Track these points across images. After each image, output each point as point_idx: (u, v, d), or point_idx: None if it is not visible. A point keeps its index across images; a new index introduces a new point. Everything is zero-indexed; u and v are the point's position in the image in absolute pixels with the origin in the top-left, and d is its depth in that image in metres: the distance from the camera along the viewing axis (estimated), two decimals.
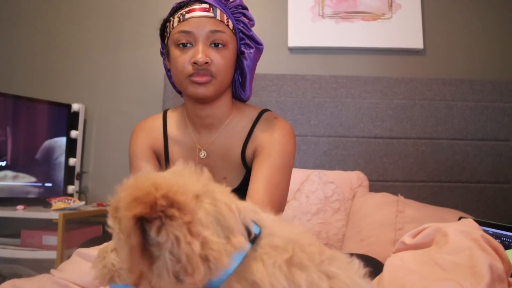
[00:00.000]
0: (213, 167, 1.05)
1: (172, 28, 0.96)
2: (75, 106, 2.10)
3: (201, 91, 0.94)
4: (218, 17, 0.95)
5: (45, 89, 2.19)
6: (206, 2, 0.95)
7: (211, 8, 0.94)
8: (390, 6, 2.17)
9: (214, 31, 0.93)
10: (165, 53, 1.03)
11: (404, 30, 2.15)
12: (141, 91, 2.20)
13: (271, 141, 1.00)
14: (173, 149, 1.06)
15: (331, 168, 1.98)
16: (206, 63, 0.92)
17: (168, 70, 1.07)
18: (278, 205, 0.99)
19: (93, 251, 0.74)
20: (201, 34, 0.93)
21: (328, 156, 2.00)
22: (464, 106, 2.03)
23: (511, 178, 1.99)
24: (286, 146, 1.01)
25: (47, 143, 2.00)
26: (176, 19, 0.96)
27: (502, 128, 2.02)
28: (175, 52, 0.95)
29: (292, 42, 2.15)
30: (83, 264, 0.73)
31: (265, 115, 1.06)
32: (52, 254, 1.65)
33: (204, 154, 1.05)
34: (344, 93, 2.04)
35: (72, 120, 2.09)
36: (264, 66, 1.84)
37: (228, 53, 0.96)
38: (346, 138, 2.02)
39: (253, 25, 1.02)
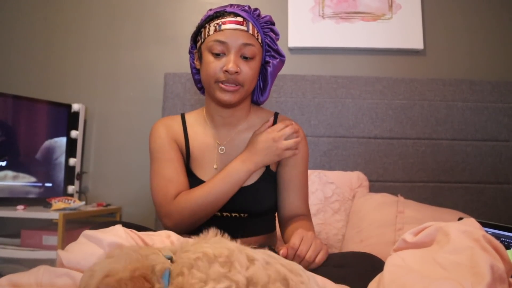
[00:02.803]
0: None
1: (208, 35, 1.06)
2: (75, 106, 2.09)
3: (227, 98, 1.05)
4: (250, 31, 1.05)
5: (45, 89, 2.19)
6: (240, 16, 1.06)
7: (244, 22, 1.05)
8: (390, 6, 2.17)
9: (246, 44, 1.04)
10: (197, 54, 1.13)
11: (404, 30, 2.15)
12: (141, 91, 2.20)
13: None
14: (193, 145, 1.15)
15: (331, 168, 1.98)
16: (236, 72, 1.02)
17: (193, 68, 1.18)
18: (308, 200, 1.18)
19: (99, 233, 0.76)
20: (234, 45, 1.03)
21: (328, 156, 2.00)
22: (464, 107, 2.03)
23: (511, 179, 1.99)
24: (306, 150, 1.17)
25: (47, 143, 2.00)
26: (212, 28, 1.06)
27: (502, 128, 2.02)
28: (208, 57, 1.05)
29: (292, 42, 2.15)
30: (89, 245, 0.75)
31: (279, 118, 1.18)
32: (52, 254, 1.66)
33: (223, 149, 1.14)
34: (344, 94, 2.05)
35: (72, 120, 2.08)
36: None
37: (255, 64, 1.07)
38: (346, 138, 2.02)
39: (278, 39, 1.13)
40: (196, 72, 1.19)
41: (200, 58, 1.10)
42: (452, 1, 2.21)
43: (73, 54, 2.24)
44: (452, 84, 2.05)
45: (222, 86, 1.04)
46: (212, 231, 0.67)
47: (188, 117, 1.20)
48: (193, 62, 1.17)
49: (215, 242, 0.62)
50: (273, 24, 1.13)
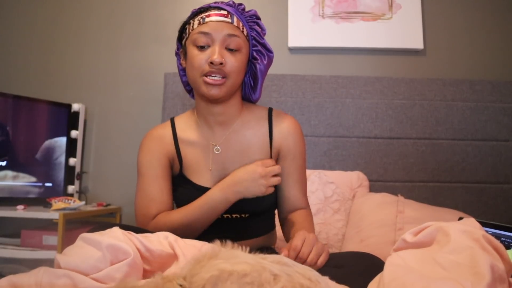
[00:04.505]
0: (229, 162, 1.11)
1: (192, 29, 1.05)
2: (75, 106, 2.10)
3: (214, 92, 1.02)
4: (235, 23, 1.04)
5: (45, 89, 2.19)
6: (224, 9, 1.04)
7: (229, 15, 1.04)
8: (390, 6, 2.17)
9: (230, 35, 1.02)
10: (181, 53, 1.11)
11: (404, 30, 2.15)
12: (141, 91, 2.20)
13: (293, 144, 1.14)
14: (185, 151, 1.12)
15: (331, 168, 1.98)
16: (221, 63, 1.00)
17: (181, 70, 1.15)
18: (306, 193, 1.19)
19: (97, 236, 0.76)
20: (218, 36, 1.01)
21: (328, 156, 2.00)
22: (464, 107, 2.03)
23: (511, 178, 1.99)
24: (303, 143, 1.17)
25: (47, 143, 2.00)
26: (196, 22, 1.04)
27: (502, 128, 2.02)
28: (193, 51, 1.03)
29: (292, 42, 2.15)
30: (87, 248, 0.75)
31: (274, 112, 1.16)
32: (52, 254, 1.66)
33: (218, 150, 1.12)
34: (344, 93, 2.05)
35: (72, 120, 2.09)
36: None
37: (241, 57, 1.04)
38: (346, 138, 2.02)
39: (265, 34, 1.11)
40: (183, 74, 1.15)
41: (185, 54, 1.08)
42: (452, 1, 2.21)
43: (73, 54, 2.24)
44: (452, 84, 2.05)
45: (208, 80, 1.01)
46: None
47: (178, 122, 1.16)
48: (180, 64, 1.14)
49: (229, 257, 0.56)
50: (259, 18, 1.11)
